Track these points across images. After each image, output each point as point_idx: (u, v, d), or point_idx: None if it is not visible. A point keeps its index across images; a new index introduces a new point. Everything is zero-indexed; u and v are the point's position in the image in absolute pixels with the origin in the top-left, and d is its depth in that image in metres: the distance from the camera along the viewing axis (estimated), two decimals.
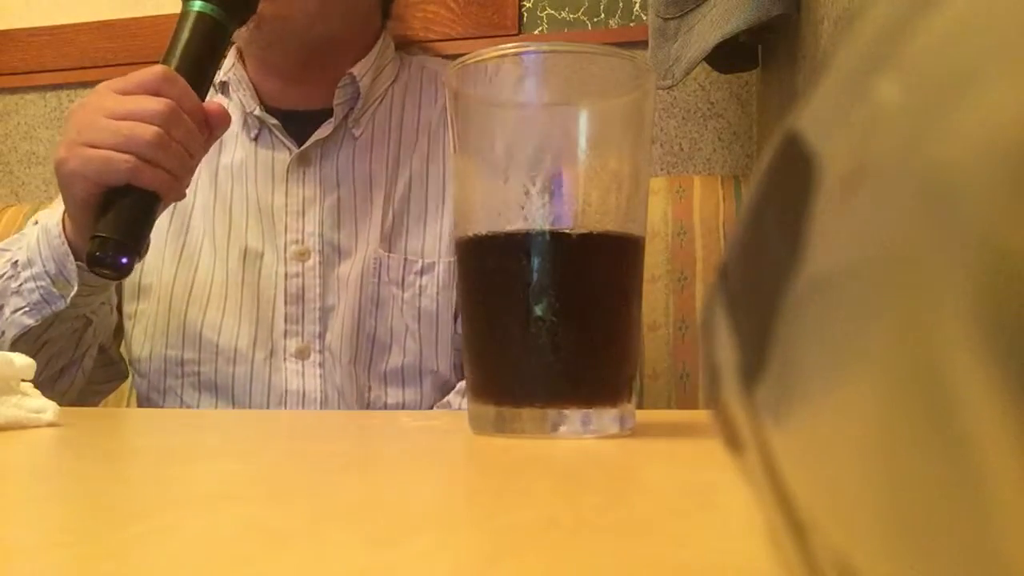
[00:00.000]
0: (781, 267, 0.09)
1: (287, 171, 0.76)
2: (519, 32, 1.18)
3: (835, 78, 0.09)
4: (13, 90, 1.34)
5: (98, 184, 0.57)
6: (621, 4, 1.15)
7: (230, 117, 0.64)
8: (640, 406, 0.77)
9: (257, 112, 0.76)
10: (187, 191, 0.63)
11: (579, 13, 1.16)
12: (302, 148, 0.75)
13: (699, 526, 0.19)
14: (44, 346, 0.67)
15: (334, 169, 0.76)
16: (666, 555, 0.16)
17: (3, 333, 0.65)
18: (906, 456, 0.07)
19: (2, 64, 1.34)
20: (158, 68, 0.59)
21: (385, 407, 0.73)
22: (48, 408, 0.41)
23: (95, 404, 0.82)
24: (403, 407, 0.73)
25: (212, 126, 0.62)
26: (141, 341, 0.75)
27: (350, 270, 0.73)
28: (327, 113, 0.76)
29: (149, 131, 0.57)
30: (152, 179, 0.58)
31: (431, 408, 0.73)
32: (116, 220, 0.57)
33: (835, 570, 0.09)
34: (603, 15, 1.16)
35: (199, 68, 0.61)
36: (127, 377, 0.82)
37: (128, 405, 0.96)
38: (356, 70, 0.76)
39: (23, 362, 0.41)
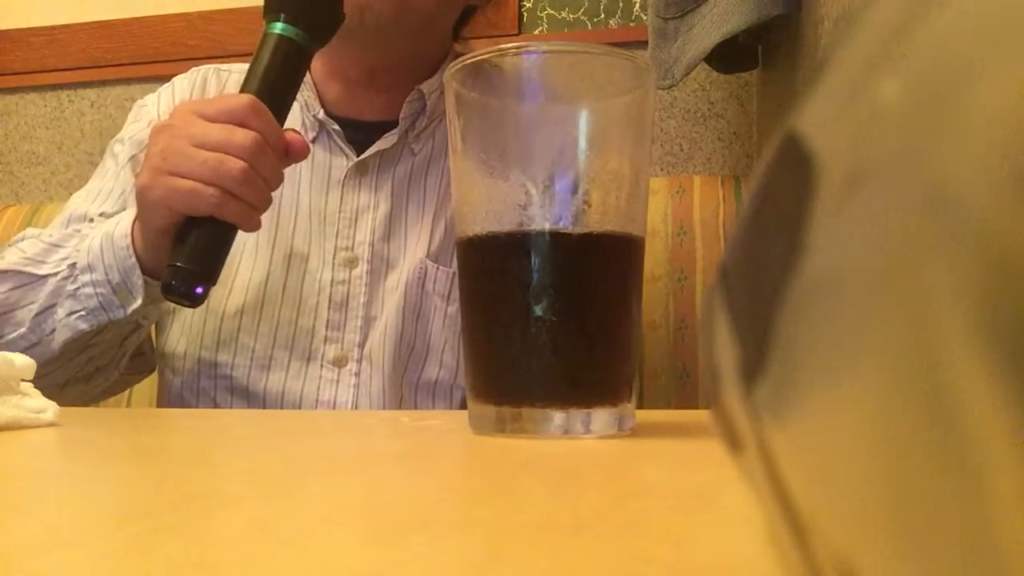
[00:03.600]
0: (781, 267, 0.09)
1: (344, 178, 0.75)
2: (519, 32, 1.18)
3: (835, 78, 0.09)
4: (13, 90, 1.34)
5: (180, 214, 0.57)
6: (621, 4, 1.15)
7: (309, 148, 0.63)
8: (640, 406, 0.77)
9: (321, 115, 0.76)
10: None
11: (579, 13, 1.16)
12: (362, 157, 0.75)
13: (699, 526, 0.19)
14: (88, 348, 0.66)
15: (390, 181, 0.75)
16: (666, 555, 0.16)
17: (53, 331, 0.64)
18: (906, 456, 0.07)
19: (2, 64, 1.34)
20: (246, 98, 0.58)
21: None
22: (48, 408, 0.41)
23: (109, 397, 0.81)
24: None
25: (290, 155, 0.61)
26: (177, 337, 0.74)
27: (397, 281, 0.73)
28: (388, 125, 0.75)
29: (237, 166, 0.56)
30: (235, 213, 0.57)
31: None
32: (194, 251, 0.57)
33: (835, 570, 0.09)
34: (603, 15, 1.16)
35: (281, 95, 0.60)
36: (154, 370, 0.80)
37: (128, 405, 0.96)
38: (425, 87, 0.76)
39: (23, 362, 0.41)
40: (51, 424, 0.40)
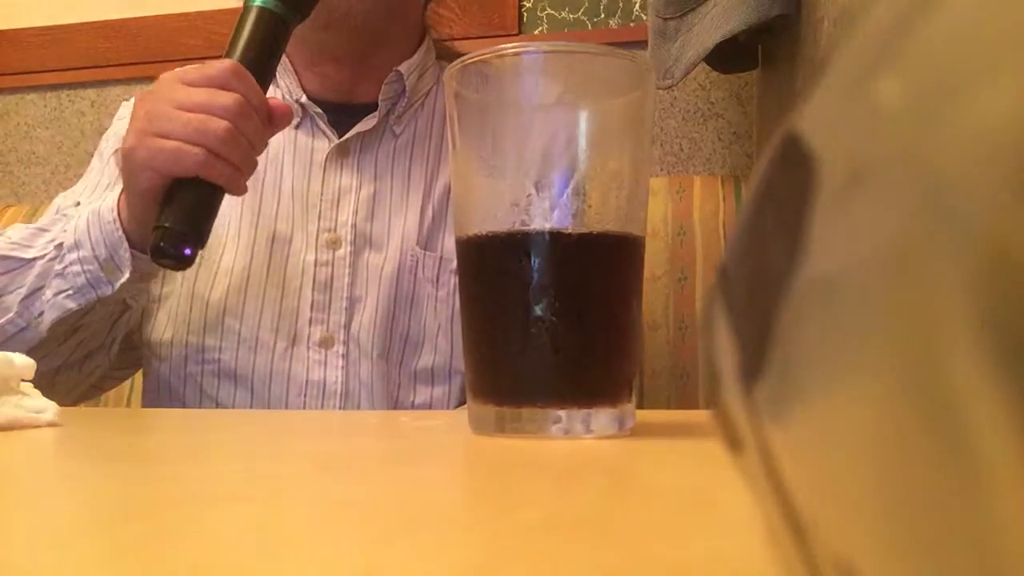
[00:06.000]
0: (781, 267, 0.09)
1: (325, 160, 0.76)
2: (519, 32, 1.18)
3: (835, 78, 0.09)
4: (13, 90, 1.34)
5: (165, 175, 0.57)
6: (621, 4, 1.15)
7: (292, 113, 0.63)
8: (640, 406, 0.77)
9: (303, 100, 0.77)
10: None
11: (579, 13, 1.16)
12: (343, 138, 0.76)
13: (699, 526, 0.19)
14: (78, 330, 0.66)
15: (372, 162, 0.76)
16: (666, 555, 0.16)
17: (42, 314, 0.64)
18: (907, 456, 0.07)
19: (2, 64, 1.34)
20: (227, 62, 0.59)
21: (412, 406, 0.72)
22: (48, 408, 0.41)
23: (101, 395, 0.81)
24: (430, 407, 0.73)
25: (274, 121, 0.62)
26: (164, 324, 0.74)
27: (383, 264, 0.73)
28: (368, 108, 0.76)
29: (221, 125, 0.57)
30: (220, 172, 0.58)
31: (456, 408, 0.73)
32: (181, 211, 0.57)
33: (835, 570, 0.09)
34: (603, 15, 1.16)
35: (262, 63, 0.61)
36: None
37: (129, 405, 0.96)
38: (403, 68, 0.77)
39: (23, 362, 0.41)
40: (51, 424, 0.40)
